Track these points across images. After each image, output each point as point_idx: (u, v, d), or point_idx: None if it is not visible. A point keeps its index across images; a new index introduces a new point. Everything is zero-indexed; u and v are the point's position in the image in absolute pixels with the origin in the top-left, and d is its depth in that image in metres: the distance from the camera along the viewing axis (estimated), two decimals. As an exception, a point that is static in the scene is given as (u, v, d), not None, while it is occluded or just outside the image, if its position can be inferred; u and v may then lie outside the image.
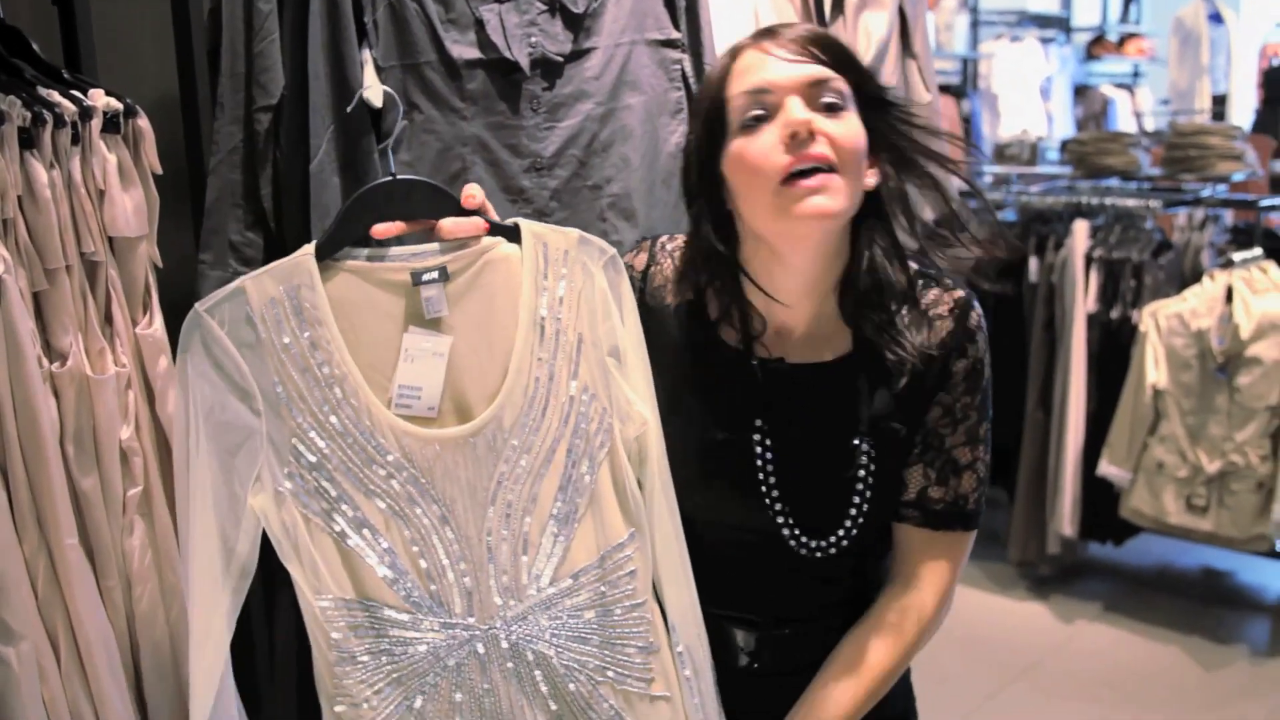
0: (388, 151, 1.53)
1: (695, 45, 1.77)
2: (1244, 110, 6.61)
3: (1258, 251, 3.47)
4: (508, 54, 1.59)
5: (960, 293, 1.29)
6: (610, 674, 1.20)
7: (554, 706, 1.18)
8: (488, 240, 1.20)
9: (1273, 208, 3.83)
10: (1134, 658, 3.50)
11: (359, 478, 1.14)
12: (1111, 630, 3.68)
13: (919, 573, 1.30)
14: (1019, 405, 3.94)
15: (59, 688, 1.27)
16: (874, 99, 1.22)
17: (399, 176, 1.21)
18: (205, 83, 1.57)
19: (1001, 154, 5.42)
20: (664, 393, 1.24)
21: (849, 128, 1.18)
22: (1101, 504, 3.70)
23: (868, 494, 1.27)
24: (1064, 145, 4.85)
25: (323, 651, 1.14)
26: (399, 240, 1.19)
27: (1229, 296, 3.36)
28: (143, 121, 1.38)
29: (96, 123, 1.32)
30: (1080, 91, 7.08)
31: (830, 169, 1.15)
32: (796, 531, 1.28)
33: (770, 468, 1.28)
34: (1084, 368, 3.72)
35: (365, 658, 1.15)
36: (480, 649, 1.17)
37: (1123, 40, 7.35)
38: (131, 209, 1.35)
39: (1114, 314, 3.71)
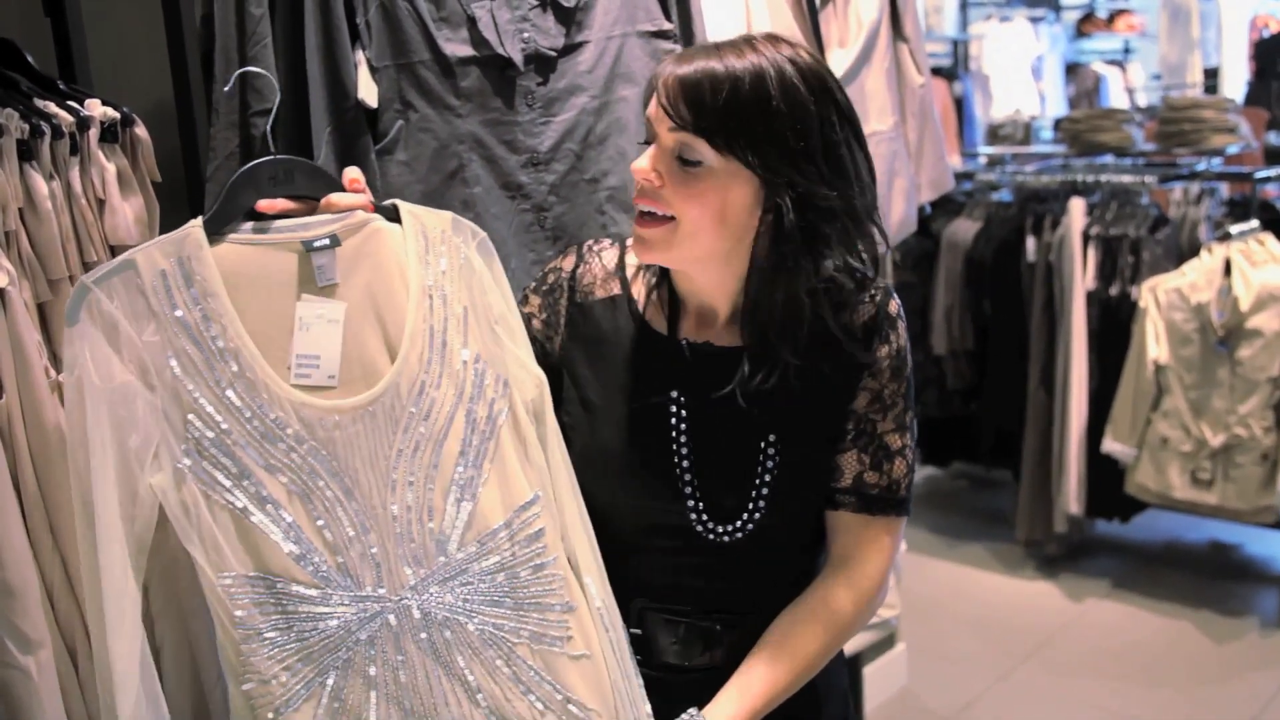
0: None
1: (687, 35, 1.78)
2: (1236, 83, 6.60)
3: (1255, 224, 3.48)
4: (501, 50, 1.59)
5: (882, 283, 1.33)
6: (526, 635, 1.19)
7: (470, 677, 1.17)
8: (370, 214, 1.22)
9: (1268, 179, 3.83)
10: (1144, 633, 3.51)
11: (259, 452, 1.12)
12: (1121, 607, 3.69)
13: (855, 558, 1.32)
14: (1021, 386, 3.95)
15: (78, 696, 1.28)
16: (764, 160, 1.20)
17: (279, 156, 1.21)
18: (200, 89, 1.57)
19: (995, 134, 5.43)
20: (593, 381, 1.32)
21: (691, 189, 1.21)
22: (1107, 481, 3.71)
23: (769, 480, 1.29)
24: (1057, 124, 4.86)
25: (226, 629, 1.11)
26: (281, 218, 1.20)
27: (1227, 269, 3.36)
28: (140, 130, 1.38)
29: (94, 133, 1.32)
30: (1072, 69, 7.07)
31: (668, 217, 1.22)
32: (705, 517, 1.30)
33: (684, 450, 1.31)
34: (1085, 346, 3.73)
35: (272, 634, 1.12)
36: (392, 620, 1.16)
37: (1112, 17, 7.35)
38: (132, 218, 1.35)
39: (1113, 291, 3.72)
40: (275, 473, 1.13)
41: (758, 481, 1.30)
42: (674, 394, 1.31)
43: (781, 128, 1.19)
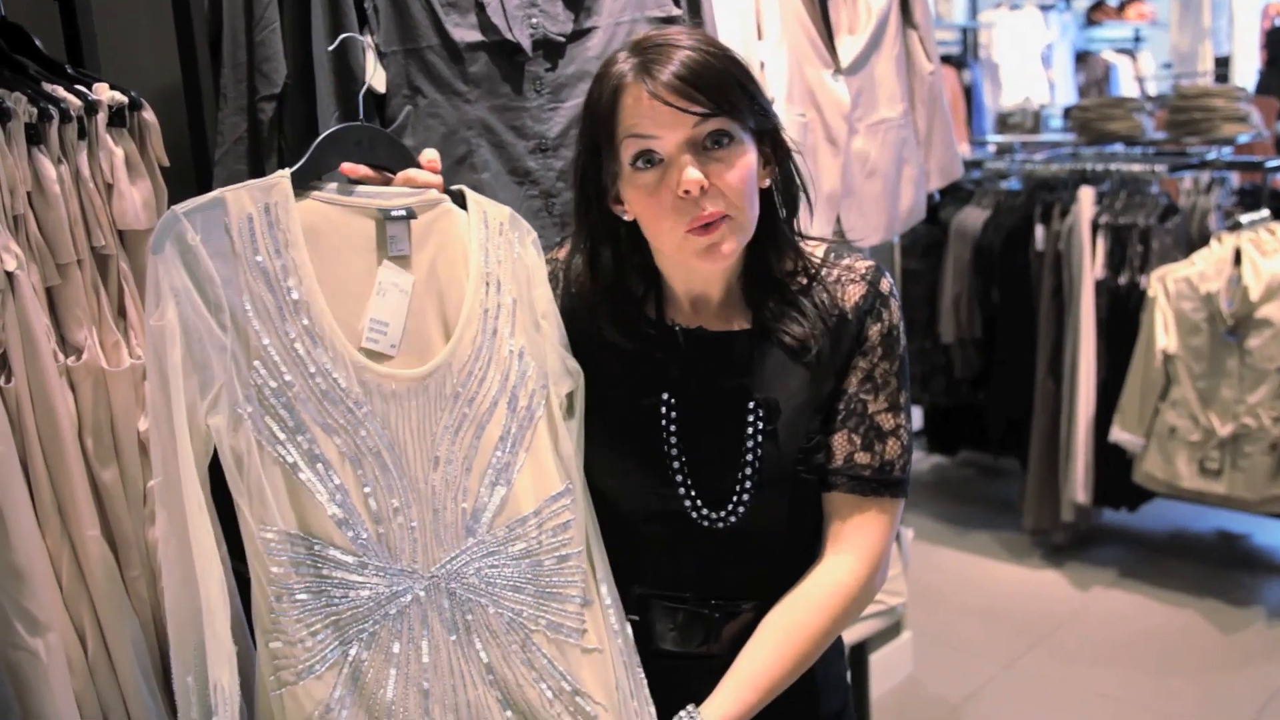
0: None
1: (695, 20, 1.77)
2: (1247, 72, 6.57)
3: (1265, 213, 3.46)
4: (509, 35, 1.59)
5: (871, 261, 1.34)
6: (544, 624, 1.20)
7: (486, 659, 1.18)
8: (442, 195, 1.25)
9: (1279, 169, 3.81)
10: (1151, 623, 3.51)
11: (318, 409, 1.13)
12: (1127, 596, 3.69)
13: (850, 541, 1.31)
14: (1029, 374, 3.94)
15: (86, 678, 1.28)
16: (758, 113, 1.24)
17: (365, 124, 1.24)
18: (208, 73, 1.57)
19: (1004, 123, 5.40)
20: (589, 369, 1.32)
21: (737, 165, 1.21)
22: (1114, 470, 3.70)
23: (756, 463, 1.29)
24: (1067, 112, 4.84)
25: (261, 585, 1.11)
26: (360, 184, 1.22)
27: (1237, 259, 3.35)
28: (148, 114, 1.38)
29: (102, 117, 1.32)
30: (1081, 58, 7.04)
31: (725, 215, 1.21)
32: (698, 503, 1.30)
33: (675, 436, 1.31)
34: (1093, 335, 3.72)
35: (304, 595, 1.11)
36: (422, 595, 1.16)
37: (1123, 5, 7.31)
38: (140, 202, 1.36)
39: (1122, 280, 3.71)
40: (330, 433, 1.13)
41: (744, 465, 1.30)
42: (666, 380, 1.32)
43: (756, 88, 1.25)
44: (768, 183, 1.29)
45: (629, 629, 1.29)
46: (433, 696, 1.16)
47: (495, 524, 1.20)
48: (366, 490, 1.14)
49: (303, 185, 1.17)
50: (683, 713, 1.24)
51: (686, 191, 1.18)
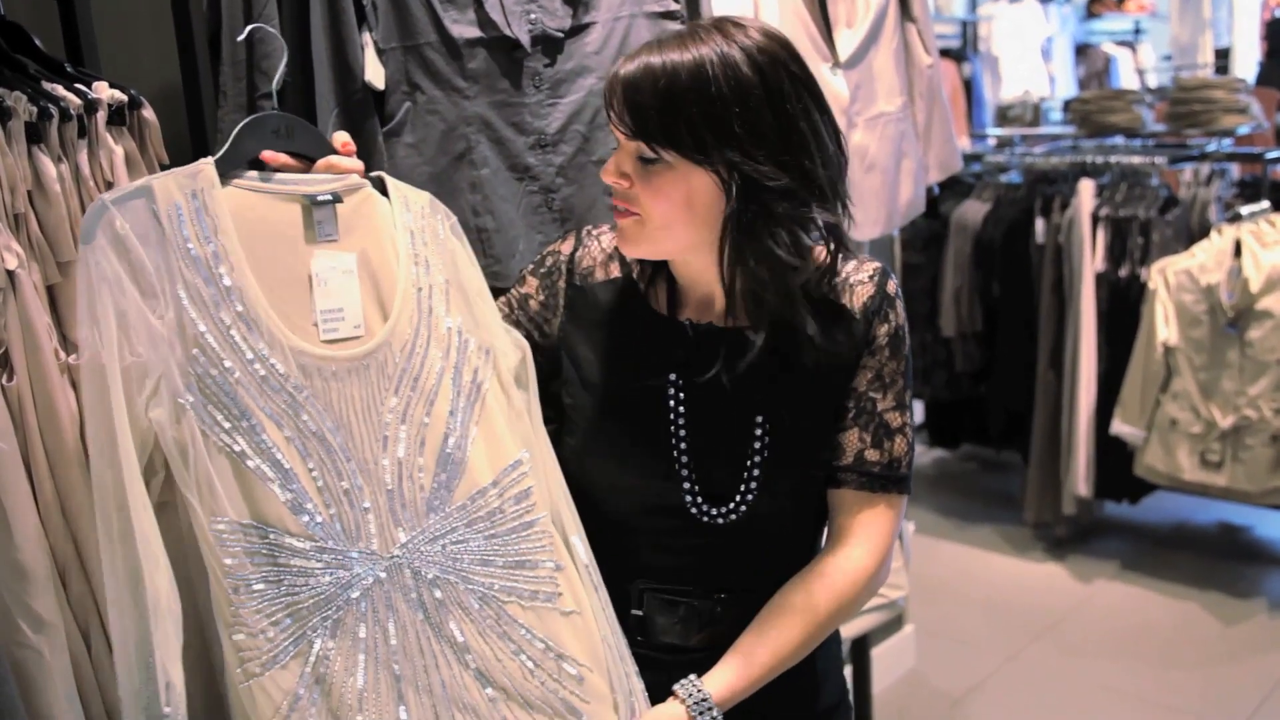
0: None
1: (694, 16, 1.77)
2: (1248, 63, 6.56)
3: (1265, 204, 3.46)
4: (508, 31, 1.59)
5: (877, 263, 1.35)
6: (516, 593, 1.20)
7: (460, 637, 1.17)
8: (364, 180, 1.25)
9: (1279, 160, 3.81)
10: (1153, 615, 3.51)
11: (260, 395, 1.12)
12: (1130, 589, 3.69)
13: (857, 536, 1.32)
14: (1030, 367, 3.94)
15: (91, 676, 1.28)
16: (707, 145, 1.19)
17: (283, 112, 1.25)
18: (208, 72, 1.57)
19: (1004, 116, 5.40)
20: (594, 362, 1.34)
21: (653, 185, 1.23)
22: (1116, 463, 3.70)
23: (760, 461, 1.30)
24: (1067, 105, 4.83)
25: (218, 578, 1.09)
26: (279, 172, 1.23)
27: (1238, 251, 3.35)
28: (148, 112, 1.38)
29: (102, 115, 1.32)
30: (1081, 50, 7.03)
31: (635, 214, 1.25)
32: (699, 499, 1.31)
33: (681, 431, 1.31)
34: (1094, 327, 3.72)
35: (260, 585, 1.10)
36: (383, 577, 1.15)
37: (1122, -3, 7.30)
38: (140, 200, 1.36)
39: (1122, 272, 3.70)
40: (275, 419, 1.12)
41: (749, 463, 1.30)
42: (673, 375, 1.32)
43: (723, 113, 1.18)
44: (722, 215, 1.23)
45: (604, 588, 1.30)
46: (404, 679, 1.15)
47: (454, 499, 1.20)
48: (314, 474, 1.13)
49: (224, 172, 1.18)
50: (685, 680, 1.26)
51: (615, 184, 1.25)
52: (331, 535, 1.14)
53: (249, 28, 1.40)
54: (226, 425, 1.10)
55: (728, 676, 1.26)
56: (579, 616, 1.23)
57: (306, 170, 1.24)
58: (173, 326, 1.10)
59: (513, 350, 1.29)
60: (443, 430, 1.20)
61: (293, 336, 1.15)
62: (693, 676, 1.26)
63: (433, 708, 1.16)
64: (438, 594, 1.17)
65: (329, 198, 1.20)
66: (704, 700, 1.24)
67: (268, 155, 1.22)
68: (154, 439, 1.11)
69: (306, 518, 1.12)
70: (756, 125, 1.19)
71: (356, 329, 1.19)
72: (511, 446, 1.24)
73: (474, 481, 1.21)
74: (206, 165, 1.16)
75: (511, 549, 1.21)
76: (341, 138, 1.27)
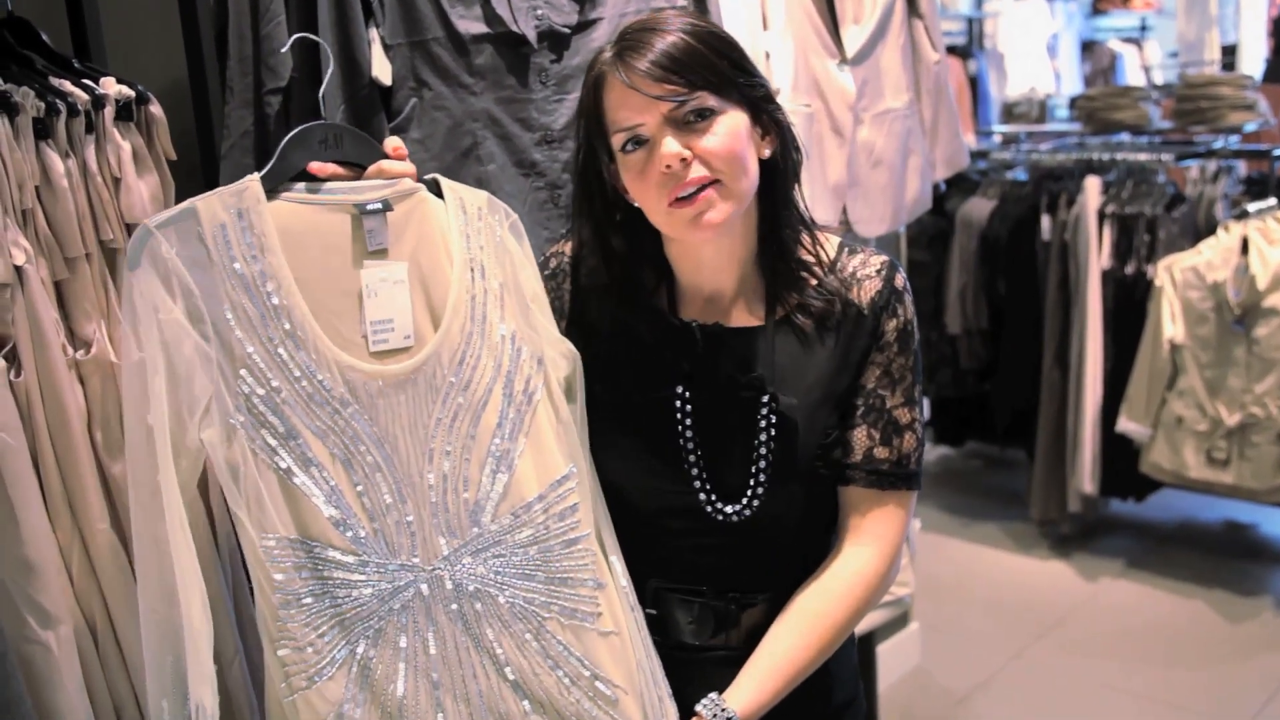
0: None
1: (702, 12, 1.77)
2: (1255, 60, 6.53)
3: (1272, 202, 3.45)
4: (514, 27, 1.58)
5: (884, 256, 1.35)
6: (557, 610, 1.20)
7: (499, 650, 1.17)
8: (417, 184, 1.24)
9: (1286, 157, 3.79)
10: (1158, 613, 3.51)
11: (306, 413, 1.12)
12: (1135, 586, 3.69)
13: (868, 533, 1.32)
14: (1035, 365, 3.94)
15: (97, 671, 1.29)
16: (744, 85, 1.26)
17: (330, 121, 1.23)
18: (214, 67, 1.57)
19: (1010, 112, 5.39)
20: (599, 363, 1.32)
21: (720, 134, 1.23)
22: (1121, 460, 3.70)
23: (770, 458, 1.30)
24: (1073, 102, 4.82)
25: (265, 594, 1.11)
26: (329, 182, 1.22)
27: (1244, 248, 3.34)
28: (155, 108, 1.38)
29: (109, 111, 1.32)
30: (1087, 47, 7.02)
31: (712, 180, 1.22)
32: (712, 496, 1.31)
33: (690, 431, 1.31)
34: (1100, 325, 3.71)
35: (309, 600, 1.12)
36: (425, 590, 1.16)
37: (1129, -6, 7.28)
38: (148, 195, 1.36)
39: (1129, 269, 3.70)
40: (320, 435, 1.13)
41: (759, 459, 1.30)
42: (681, 374, 1.32)
43: (740, 56, 1.27)
44: (768, 153, 1.29)
45: (639, 608, 1.29)
46: (443, 688, 1.16)
47: (499, 512, 1.20)
48: (359, 489, 1.14)
49: (271, 187, 1.17)
50: (706, 700, 1.25)
51: (668, 166, 1.21)
52: (374, 549, 1.15)
53: (294, 37, 1.37)
54: (273, 443, 1.11)
55: (750, 692, 1.26)
56: (617, 637, 1.23)
57: (358, 179, 1.22)
58: (220, 348, 1.11)
59: (563, 361, 1.28)
60: (489, 443, 1.19)
61: (340, 353, 1.15)
62: (714, 695, 1.26)
63: (470, 716, 1.16)
64: (478, 606, 1.18)
65: (378, 206, 1.19)
66: None
67: (315, 167, 1.21)
68: (202, 463, 1.12)
69: (350, 532, 1.13)
70: (747, 59, 1.28)
71: (407, 339, 1.19)
72: (560, 460, 1.23)
73: (520, 495, 1.20)
74: (252, 182, 1.15)
75: (554, 565, 1.21)
76: (393, 142, 1.26)
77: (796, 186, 1.33)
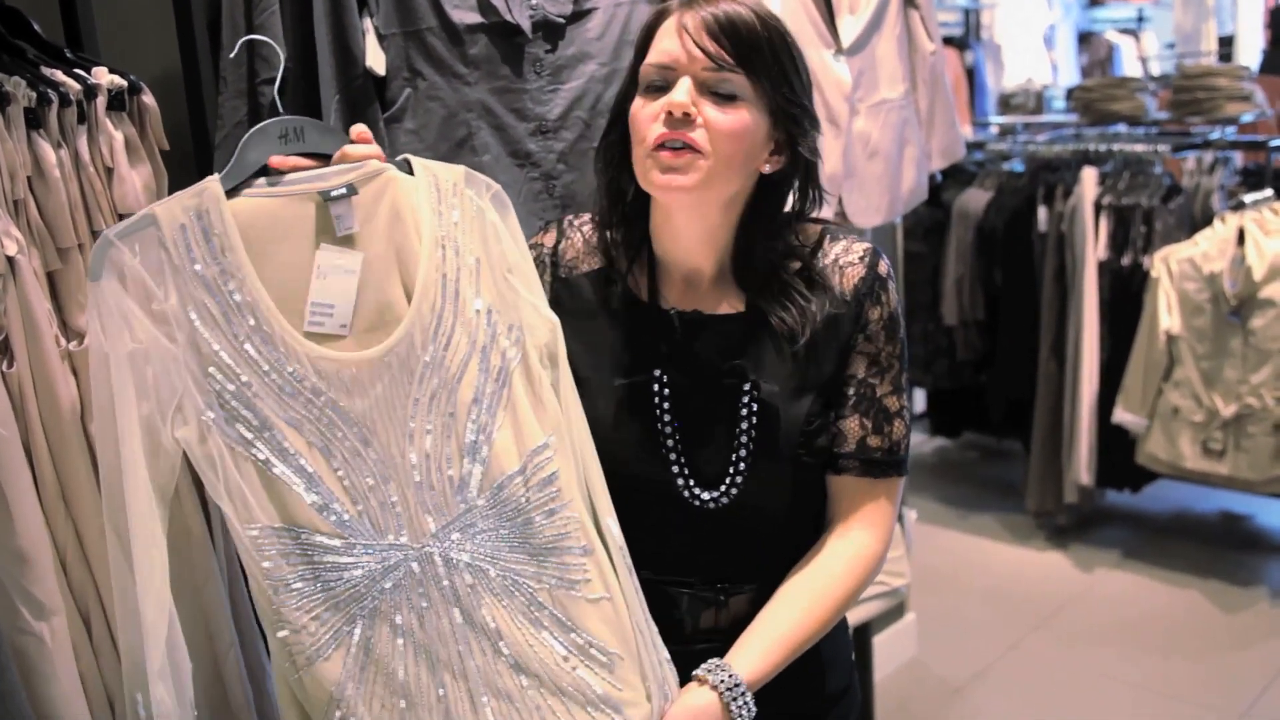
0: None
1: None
2: (1251, 51, 6.53)
3: (1268, 193, 3.45)
4: (509, 17, 1.58)
5: (868, 244, 1.34)
6: (546, 580, 1.20)
7: (493, 624, 1.18)
8: (384, 164, 1.23)
9: (1283, 148, 3.79)
10: (1154, 604, 3.51)
11: (279, 405, 1.14)
12: (1131, 577, 3.69)
13: (860, 521, 1.33)
14: (1032, 356, 3.94)
15: (91, 662, 1.29)
16: (783, 96, 1.25)
17: (289, 116, 1.22)
18: (208, 57, 1.56)
19: (1007, 103, 5.38)
20: (582, 355, 1.32)
21: (731, 120, 1.22)
22: (1118, 451, 3.70)
23: (750, 445, 1.30)
24: (1069, 93, 4.81)
25: (258, 581, 1.14)
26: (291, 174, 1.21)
27: (1241, 239, 3.34)
28: (148, 98, 1.37)
29: (102, 101, 1.32)
30: (1084, 38, 7.01)
31: (698, 151, 1.22)
32: (690, 482, 1.31)
33: (668, 418, 1.32)
34: (1096, 316, 3.71)
35: (299, 584, 1.14)
36: (415, 568, 1.17)
37: (1126, -15, 7.27)
38: (141, 186, 1.35)
39: (1125, 261, 3.70)
40: (295, 425, 1.14)
41: (739, 446, 1.30)
42: (660, 364, 1.32)
43: (796, 65, 1.26)
44: (769, 169, 1.28)
45: (634, 575, 1.28)
46: (440, 664, 1.17)
47: (483, 486, 1.20)
48: (339, 473, 1.15)
49: (233, 186, 1.17)
50: (710, 665, 1.25)
51: (670, 112, 1.21)
52: (360, 531, 1.16)
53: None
54: (249, 436, 1.13)
55: (756, 658, 1.25)
56: (608, 602, 1.23)
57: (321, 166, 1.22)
58: (188, 348, 1.12)
59: (542, 326, 1.28)
60: (467, 418, 1.20)
61: (310, 344, 1.15)
62: (716, 660, 1.25)
63: (468, 691, 1.17)
64: (469, 580, 1.19)
65: (343, 190, 1.19)
66: (736, 685, 1.23)
67: (275, 160, 1.20)
68: (180, 460, 1.14)
69: (334, 517, 1.15)
70: (806, 85, 1.28)
71: (342, 328, 1.19)
72: (537, 430, 1.23)
73: (501, 468, 1.21)
74: (211, 182, 1.15)
75: (538, 536, 1.21)
76: (356, 129, 1.25)
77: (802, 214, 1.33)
